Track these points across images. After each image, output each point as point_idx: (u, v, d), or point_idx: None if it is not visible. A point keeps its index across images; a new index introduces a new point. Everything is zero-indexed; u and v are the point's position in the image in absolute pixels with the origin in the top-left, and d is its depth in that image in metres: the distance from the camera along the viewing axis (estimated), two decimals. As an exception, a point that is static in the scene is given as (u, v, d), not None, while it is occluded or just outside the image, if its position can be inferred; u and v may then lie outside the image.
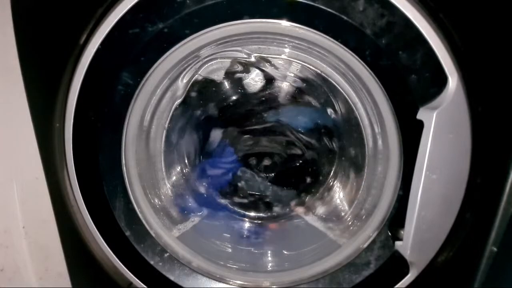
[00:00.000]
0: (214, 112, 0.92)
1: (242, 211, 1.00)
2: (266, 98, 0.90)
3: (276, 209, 0.99)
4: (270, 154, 0.96)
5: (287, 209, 0.99)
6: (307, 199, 0.98)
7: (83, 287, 0.81)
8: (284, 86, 0.89)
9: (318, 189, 0.97)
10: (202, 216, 0.95)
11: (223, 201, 0.98)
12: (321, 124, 0.92)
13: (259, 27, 0.70)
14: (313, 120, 0.92)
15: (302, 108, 0.91)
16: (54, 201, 0.74)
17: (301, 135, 0.94)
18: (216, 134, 0.94)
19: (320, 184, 0.97)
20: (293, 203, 0.98)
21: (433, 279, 0.77)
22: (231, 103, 0.91)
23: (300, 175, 0.97)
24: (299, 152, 0.95)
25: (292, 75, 0.87)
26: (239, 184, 0.97)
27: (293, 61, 0.83)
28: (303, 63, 0.82)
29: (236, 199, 0.99)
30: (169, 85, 0.83)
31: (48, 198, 0.73)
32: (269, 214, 1.00)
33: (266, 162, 0.96)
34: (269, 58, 0.84)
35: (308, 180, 0.97)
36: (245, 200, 0.98)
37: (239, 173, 0.97)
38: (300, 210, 0.98)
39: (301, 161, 0.95)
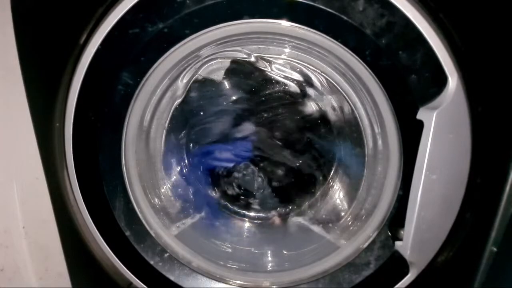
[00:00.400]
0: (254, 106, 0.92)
1: (241, 211, 1.00)
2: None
3: (258, 211, 1.00)
4: (284, 166, 0.96)
5: (268, 214, 1.00)
6: (306, 200, 0.98)
7: (83, 287, 0.81)
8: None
9: (317, 190, 0.97)
10: (201, 216, 0.95)
11: (215, 194, 0.99)
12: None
13: (259, 27, 0.70)
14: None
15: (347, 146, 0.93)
16: (54, 201, 0.74)
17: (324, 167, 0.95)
18: (247, 128, 0.93)
19: (319, 184, 0.97)
20: (273, 212, 0.99)
21: (433, 279, 0.77)
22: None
23: (299, 184, 0.98)
24: (314, 175, 0.96)
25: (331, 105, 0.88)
26: (235, 174, 0.98)
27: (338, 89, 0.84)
28: (303, 63, 0.82)
29: (224, 186, 0.98)
30: (169, 85, 0.83)
31: (48, 198, 0.73)
32: (268, 214, 1.00)
33: (279, 171, 0.96)
34: (270, 58, 0.84)
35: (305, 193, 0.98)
36: (232, 192, 0.98)
37: (242, 165, 0.97)
38: (276, 220, 0.98)
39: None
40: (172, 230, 0.88)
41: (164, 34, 0.68)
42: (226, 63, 0.85)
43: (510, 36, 0.60)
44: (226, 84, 0.89)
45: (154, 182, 0.90)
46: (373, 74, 0.68)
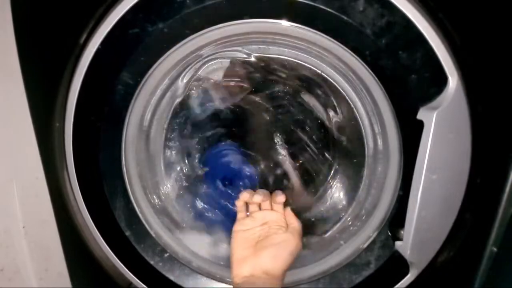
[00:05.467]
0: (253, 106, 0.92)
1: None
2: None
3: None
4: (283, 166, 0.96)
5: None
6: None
7: (83, 287, 0.81)
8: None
9: (317, 190, 0.97)
10: (201, 216, 0.95)
11: (214, 193, 0.99)
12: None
13: (259, 27, 0.70)
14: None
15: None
16: (54, 201, 0.74)
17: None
18: (246, 128, 0.94)
19: (319, 184, 0.97)
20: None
21: (433, 279, 0.77)
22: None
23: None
24: (314, 175, 0.96)
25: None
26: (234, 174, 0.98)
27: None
28: (303, 63, 0.82)
29: (223, 185, 0.98)
30: (169, 85, 0.83)
31: (48, 198, 0.73)
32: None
33: (279, 172, 0.96)
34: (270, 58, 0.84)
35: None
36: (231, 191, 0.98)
37: (241, 165, 0.97)
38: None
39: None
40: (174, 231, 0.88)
41: (164, 34, 0.68)
42: (226, 63, 0.85)
43: (510, 36, 0.60)
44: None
45: (154, 182, 0.90)
46: (373, 74, 0.68)
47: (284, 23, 0.67)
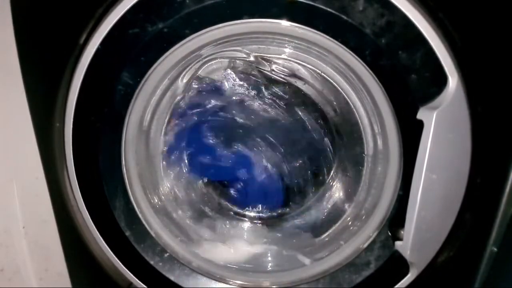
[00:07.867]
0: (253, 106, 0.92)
1: (241, 211, 1.00)
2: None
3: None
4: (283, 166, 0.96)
5: (287, 209, 0.99)
6: (306, 201, 0.98)
7: (83, 287, 0.81)
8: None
9: (317, 190, 0.97)
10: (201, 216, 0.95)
11: (215, 194, 0.99)
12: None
13: (259, 27, 0.70)
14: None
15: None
16: (54, 201, 0.74)
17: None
18: (246, 129, 0.93)
19: (319, 185, 0.97)
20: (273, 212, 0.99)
21: (433, 279, 0.77)
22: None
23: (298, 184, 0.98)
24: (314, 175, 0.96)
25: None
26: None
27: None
28: (303, 63, 0.82)
29: (224, 186, 0.99)
30: (169, 85, 0.83)
31: (48, 198, 0.73)
32: (269, 214, 1.00)
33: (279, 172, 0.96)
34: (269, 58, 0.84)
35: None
36: (232, 192, 0.99)
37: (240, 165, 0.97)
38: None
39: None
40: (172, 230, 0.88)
41: (164, 34, 0.68)
42: (226, 63, 0.85)
43: (510, 36, 0.60)
44: (226, 84, 0.89)
45: (154, 182, 0.90)
46: (373, 74, 0.68)
47: (284, 23, 0.67)
